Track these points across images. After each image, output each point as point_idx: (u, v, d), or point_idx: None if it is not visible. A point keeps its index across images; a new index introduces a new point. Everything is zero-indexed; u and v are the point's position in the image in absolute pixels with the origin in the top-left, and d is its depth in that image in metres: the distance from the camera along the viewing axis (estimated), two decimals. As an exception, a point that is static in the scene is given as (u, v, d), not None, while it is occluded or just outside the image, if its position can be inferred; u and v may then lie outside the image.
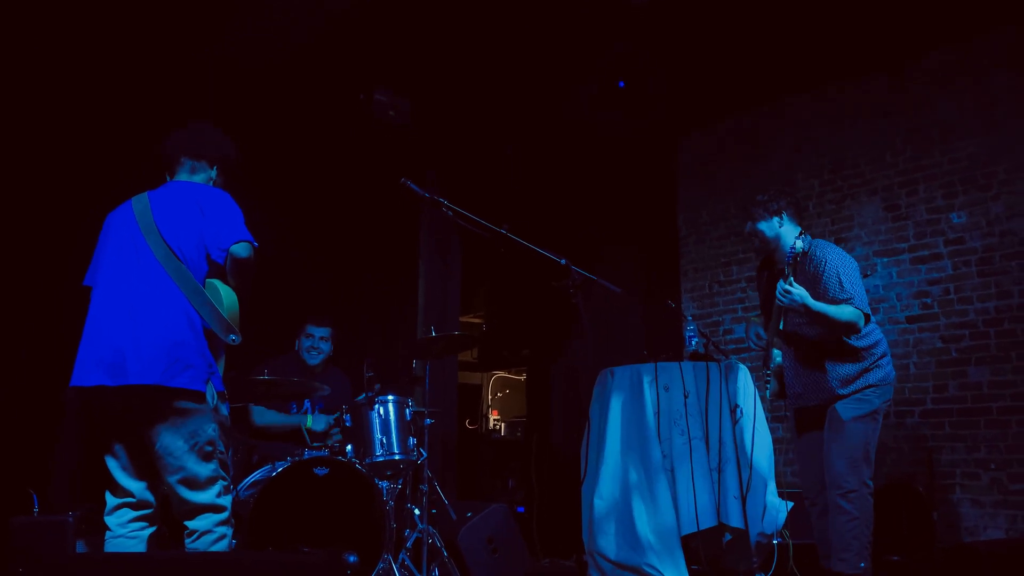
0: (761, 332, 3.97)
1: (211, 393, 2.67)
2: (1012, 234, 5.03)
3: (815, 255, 3.69)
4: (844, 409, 3.61)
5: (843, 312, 3.54)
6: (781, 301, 3.55)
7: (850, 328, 3.58)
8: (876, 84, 5.73)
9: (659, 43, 5.34)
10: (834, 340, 3.64)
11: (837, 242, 5.73)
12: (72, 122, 4.60)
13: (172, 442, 2.62)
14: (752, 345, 4.08)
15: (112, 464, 2.71)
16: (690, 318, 5.02)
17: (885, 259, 5.55)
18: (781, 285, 3.51)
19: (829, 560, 3.65)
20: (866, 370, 3.62)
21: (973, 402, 5.06)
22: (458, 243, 6.14)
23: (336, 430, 4.50)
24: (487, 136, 6.14)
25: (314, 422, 4.54)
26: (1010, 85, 5.11)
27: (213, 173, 3.02)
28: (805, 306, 3.52)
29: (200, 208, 2.78)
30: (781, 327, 3.77)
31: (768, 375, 3.94)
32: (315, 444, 4.29)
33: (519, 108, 5.90)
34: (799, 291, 3.50)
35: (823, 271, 3.63)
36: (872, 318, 3.73)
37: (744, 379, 4.47)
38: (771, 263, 3.95)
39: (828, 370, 3.64)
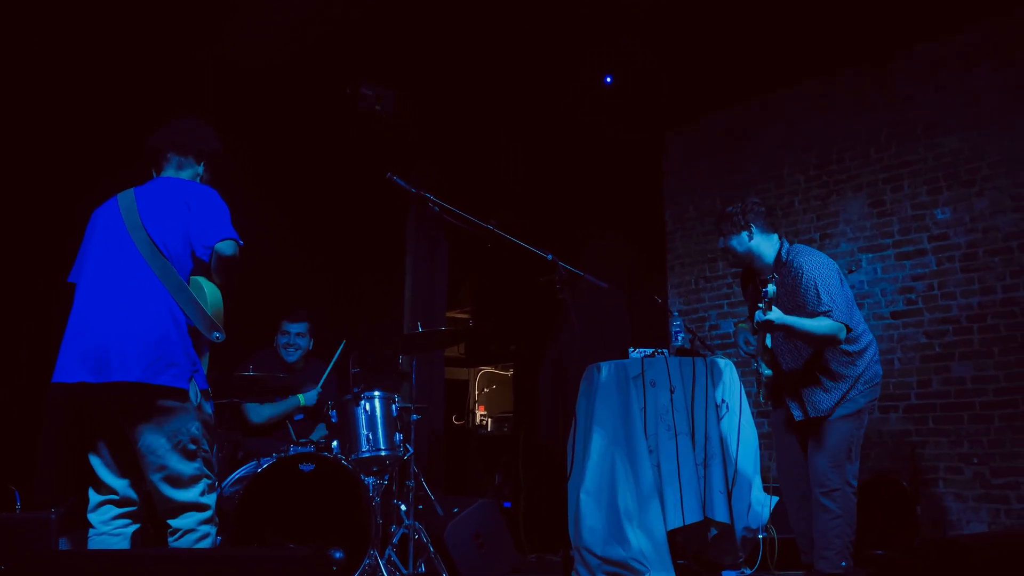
0: (750, 338, 3.97)
1: (194, 391, 2.65)
2: (995, 230, 5.06)
3: (793, 263, 3.66)
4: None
5: (821, 326, 3.50)
6: (761, 330, 3.54)
7: (831, 341, 3.54)
8: (861, 79, 5.76)
9: (646, 37, 5.34)
10: (828, 355, 3.62)
11: (822, 238, 5.76)
12: (68, 121, 4.57)
13: (155, 440, 2.60)
14: (742, 352, 4.07)
15: (95, 461, 2.70)
16: (676, 313, 5.02)
17: (870, 255, 5.58)
18: (758, 318, 3.46)
19: (810, 556, 3.67)
20: (859, 376, 3.62)
21: (956, 397, 5.10)
22: (445, 238, 6.13)
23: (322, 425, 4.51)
24: (474, 131, 6.13)
25: (306, 399, 4.58)
26: (993, 80, 5.14)
27: (200, 169, 3.00)
28: (785, 326, 3.49)
29: (187, 205, 2.76)
30: (769, 344, 3.74)
31: (757, 386, 3.92)
32: (301, 440, 4.28)
33: (506, 103, 5.89)
34: (775, 315, 3.44)
35: (800, 281, 3.59)
36: (861, 319, 3.73)
37: (730, 374, 4.48)
38: (755, 273, 3.92)
39: (822, 383, 3.61)
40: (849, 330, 3.56)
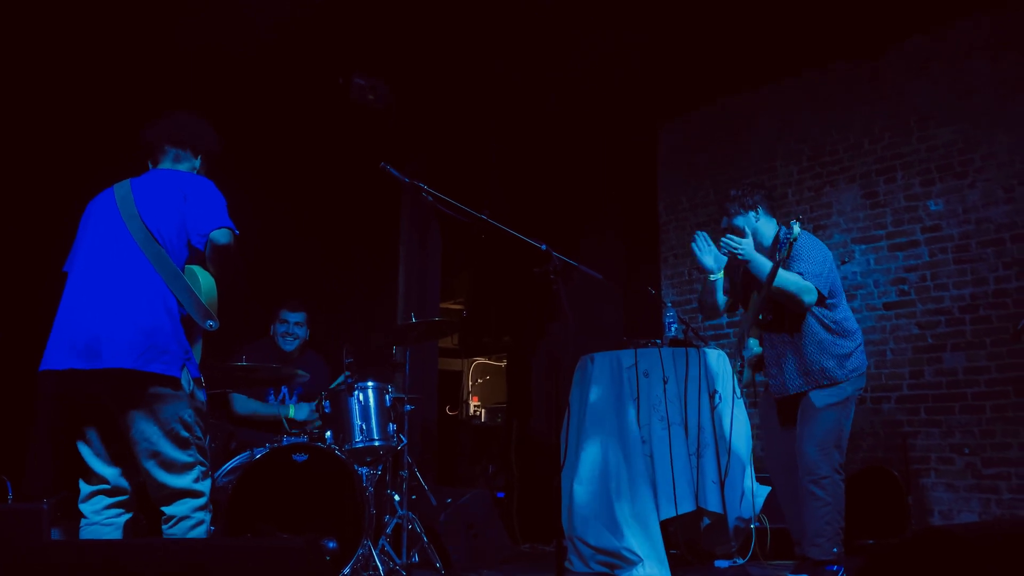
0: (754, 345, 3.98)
1: (187, 379, 2.65)
2: (988, 221, 5.08)
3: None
4: (818, 397, 3.63)
5: (790, 277, 3.57)
6: (729, 247, 3.62)
7: (794, 299, 3.57)
8: (854, 71, 5.76)
9: (639, 29, 5.33)
10: (816, 329, 3.64)
11: (816, 229, 5.77)
12: (54, 109, 4.55)
13: (147, 427, 2.60)
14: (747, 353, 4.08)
15: (85, 450, 2.69)
16: (669, 304, 5.03)
17: (863, 246, 5.60)
18: (729, 245, 3.58)
19: (802, 546, 3.68)
20: (846, 356, 3.64)
21: (948, 388, 5.12)
22: (438, 228, 6.12)
23: (316, 414, 4.49)
24: (467, 121, 6.11)
25: (296, 411, 4.52)
26: (986, 73, 5.15)
27: (197, 162, 2.99)
28: (751, 262, 3.59)
29: (183, 195, 2.76)
30: (761, 318, 3.76)
31: (740, 363, 3.94)
32: (294, 430, 4.27)
33: (499, 94, 5.88)
34: (747, 246, 3.58)
35: (793, 252, 3.65)
36: (848, 308, 3.76)
37: (722, 365, 4.50)
38: None
39: (810, 360, 3.64)
40: (822, 299, 3.60)
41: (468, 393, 8.57)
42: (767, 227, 3.81)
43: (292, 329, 4.67)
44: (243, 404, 4.53)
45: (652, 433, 4.22)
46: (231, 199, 2.85)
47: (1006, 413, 4.87)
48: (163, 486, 2.63)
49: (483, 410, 8.15)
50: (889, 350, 5.38)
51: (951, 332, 5.16)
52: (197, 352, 2.75)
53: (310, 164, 5.70)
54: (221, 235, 2.71)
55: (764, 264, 3.60)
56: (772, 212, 3.87)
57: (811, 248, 3.66)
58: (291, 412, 4.51)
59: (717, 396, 4.42)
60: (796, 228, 3.47)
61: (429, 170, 5.69)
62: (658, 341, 4.48)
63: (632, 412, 4.22)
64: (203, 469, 2.71)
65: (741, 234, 3.84)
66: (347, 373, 4.17)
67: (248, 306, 4.78)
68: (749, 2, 5.08)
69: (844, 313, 3.71)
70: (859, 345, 3.72)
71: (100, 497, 2.69)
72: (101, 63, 4.64)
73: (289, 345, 4.67)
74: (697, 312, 6.44)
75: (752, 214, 3.80)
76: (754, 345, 3.85)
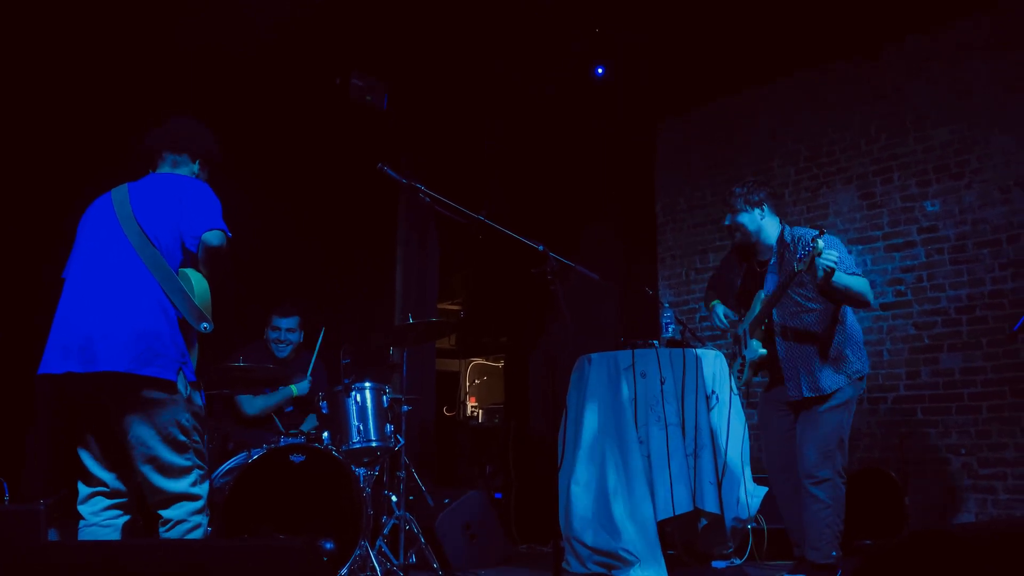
0: (730, 314, 3.96)
1: (183, 382, 2.64)
2: (984, 222, 5.09)
3: (799, 243, 3.65)
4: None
5: (861, 282, 3.53)
6: (828, 267, 3.33)
7: (864, 301, 3.55)
8: (852, 70, 5.76)
9: (638, 28, 5.34)
10: (826, 331, 3.63)
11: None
12: (54, 110, 4.53)
13: (144, 431, 2.59)
14: (720, 325, 4.02)
15: (84, 455, 2.68)
16: (667, 305, 5.02)
17: (860, 247, 5.60)
18: (825, 260, 3.31)
19: (801, 547, 3.68)
20: (854, 358, 3.62)
21: (945, 388, 5.13)
22: (436, 229, 6.12)
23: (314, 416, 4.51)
24: (465, 121, 6.11)
25: (299, 389, 4.57)
26: (983, 73, 5.16)
27: (195, 167, 3.00)
28: (833, 277, 3.37)
29: (179, 198, 2.76)
30: (777, 319, 3.72)
31: (741, 363, 3.91)
32: (291, 431, 4.27)
33: (498, 94, 5.88)
34: (830, 256, 3.33)
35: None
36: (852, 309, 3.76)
37: (720, 366, 4.50)
38: (748, 254, 3.92)
39: (821, 363, 3.59)
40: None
41: (465, 394, 8.57)
42: (771, 226, 3.78)
43: (285, 336, 4.64)
44: (250, 404, 4.52)
45: (649, 434, 4.23)
46: (229, 199, 2.85)
47: (1002, 414, 4.88)
48: (160, 490, 2.63)
49: (481, 411, 8.15)
50: (886, 351, 5.39)
51: (948, 333, 5.17)
52: (193, 355, 2.74)
53: (309, 164, 5.69)
54: (213, 237, 2.71)
55: (844, 277, 3.46)
56: (775, 210, 3.85)
57: (841, 248, 3.55)
58: (295, 391, 4.56)
59: (714, 396, 4.42)
60: (820, 243, 3.34)
61: (427, 170, 5.69)
62: (655, 342, 4.48)
63: (629, 413, 4.23)
64: (201, 473, 2.71)
65: (748, 232, 3.80)
66: (347, 381, 4.19)
67: (246, 307, 4.78)
68: (748, 2, 5.09)
69: (852, 316, 3.72)
70: (862, 345, 3.71)
71: (99, 499, 2.69)
72: (101, 64, 4.63)
73: (283, 352, 4.63)
74: (695, 312, 6.45)
75: (757, 211, 3.77)
76: (757, 347, 3.82)
